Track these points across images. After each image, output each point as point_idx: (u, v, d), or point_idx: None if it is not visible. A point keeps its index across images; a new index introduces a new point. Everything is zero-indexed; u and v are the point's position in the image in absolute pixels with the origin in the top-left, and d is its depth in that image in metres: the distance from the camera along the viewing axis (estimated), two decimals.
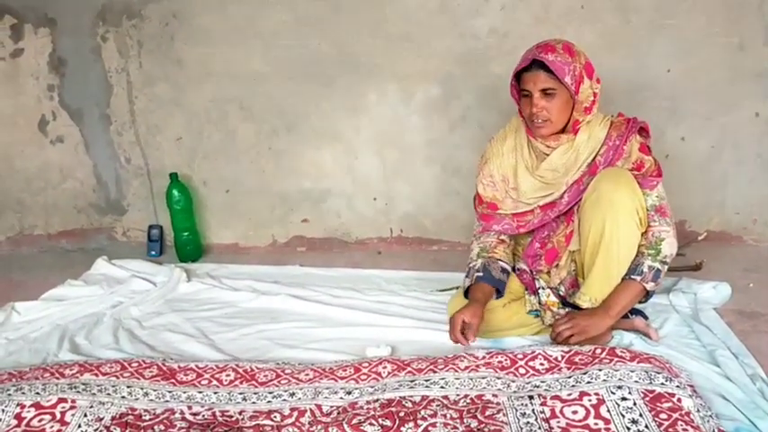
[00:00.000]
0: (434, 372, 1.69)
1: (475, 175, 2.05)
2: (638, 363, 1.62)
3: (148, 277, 2.49)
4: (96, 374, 1.75)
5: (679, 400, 1.49)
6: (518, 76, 1.84)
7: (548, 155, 1.88)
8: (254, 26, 2.52)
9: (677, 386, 1.54)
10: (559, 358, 1.71)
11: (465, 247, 2.72)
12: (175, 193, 2.64)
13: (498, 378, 1.65)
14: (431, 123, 2.61)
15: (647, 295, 1.84)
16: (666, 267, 1.79)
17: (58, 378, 1.73)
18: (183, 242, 2.71)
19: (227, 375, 1.77)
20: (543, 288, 1.93)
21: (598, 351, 1.70)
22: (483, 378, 1.65)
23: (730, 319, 1.98)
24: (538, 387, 1.60)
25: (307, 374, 1.75)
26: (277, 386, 1.71)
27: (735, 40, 2.40)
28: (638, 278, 1.77)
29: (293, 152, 2.69)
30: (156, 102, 2.67)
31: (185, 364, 1.82)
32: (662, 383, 1.54)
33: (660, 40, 2.40)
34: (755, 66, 2.43)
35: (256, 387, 1.71)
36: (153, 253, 2.79)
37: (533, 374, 1.67)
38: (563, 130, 1.85)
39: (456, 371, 1.69)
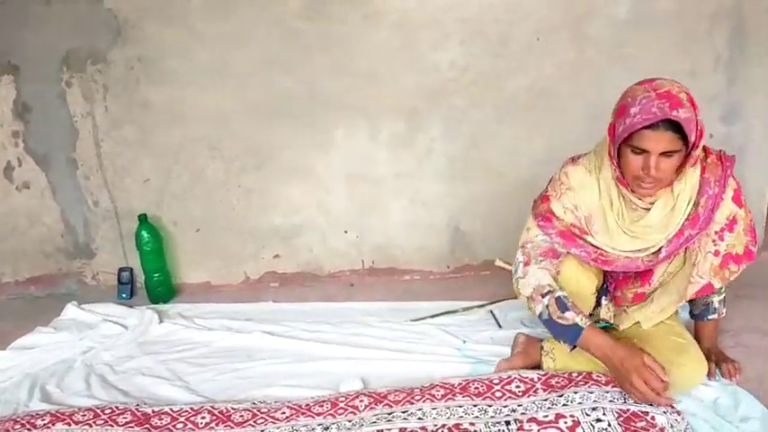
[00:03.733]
0: (411, 403, 1.70)
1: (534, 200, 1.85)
2: (612, 386, 1.65)
3: (119, 321, 2.46)
4: (69, 423, 1.72)
5: (653, 418, 1.53)
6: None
7: (642, 207, 1.69)
8: (222, 67, 2.55)
9: (650, 404, 1.57)
10: (535, 379, 1.74)
11: (437, 276, 2.77)
12: (145, 234, 2.63)
13: (475, 405, 1.66)
14: (398, 157, 2.65)
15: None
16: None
17: (29, 429, 1.69)
18: (153, 283, 2.69)
19: (203, 418, 1.75)
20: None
21: (574, 374, 1.73)
22: (460, 407, 1.66)
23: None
24: (515, 411, 1.62)
25: (283, 412, 1.74)
26: (254, 426, 1.69)
27: (686, 66, 2.51)
28: (716, 316, 1.86)
29: (263, 189, 2.71)
30: (123, 144, 2.67)
31: (160, 408, 1.80)
32: (635, 402, 1.58)
33: (616, 69, 2.48)
34: (707, 90, 2.54)
35: (233, 428, 1.69)
36: (123, 296, 2.76)
37: (510, 397, 1.69)
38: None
39: (433, 401, 1.70)
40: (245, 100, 2.59)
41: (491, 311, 2.37)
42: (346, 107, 2.59)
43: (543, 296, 1.67)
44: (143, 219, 2.62)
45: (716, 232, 1.70)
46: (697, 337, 1.86)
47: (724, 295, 1.86)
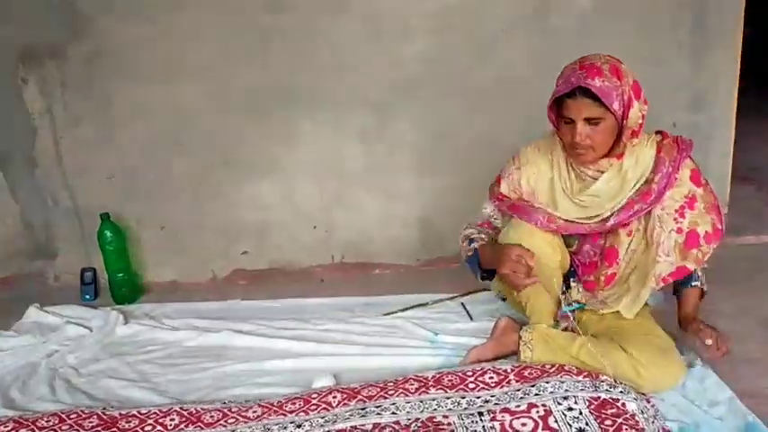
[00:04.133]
0: (385, 398, 1.68)
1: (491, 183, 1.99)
2: (584, 377, 1.66)
3: (83, 322, 2.39)
4: (33, 430, 1.67)
5: (623, 404, 1.55)
6: (557, 98, 1.70)
7: (590, 177, 1.79)
8: (183, 61, 2.50)
9: (621, 391, 1.59)
10: (509, 371, 1.74)
11: (407, 269, 2.76)
12: (107, 233, 2.57)
13: (448, 398, 1.66)
14: (368, 150, 2.63)
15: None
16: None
17: None
18: (118, 283, 2.63)
19: (172, 420, 1.71)
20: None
21: (547, 366, 1.74)
22: (433, 400, 1.65)
23: (665, 321, 2.03)
24: (488, 402, 1.62)
25: (254, 411, 1.71)
26: (224, 426, 1.66)
27: (650, 55, 2.53)
28: (698, 284, 1.84)
29: (230, 185, 2.66)
30: (83, 142, 2.60)
31: (127, 411, 1.75)
32: (606, 390, 1.59)
33: None
34: (670, 80, 2.58)
35: (203, 429, 1.66)
36: (87, 297, 2.69)
37: (483, 388, 1.69)
38: (607, 154, 1.75)
39: (407, 394, 1.69)
40: (209, 94, 2.54)
41: (462, 303, 2.37)
42: (313, 100, 2.56)
43: (468, 243, 1.92)
44: (105, 217, 2.56)
45: (676, 210, 1.76)
46: (680, 306, 1.87)
47: (705, 267, 1.85)
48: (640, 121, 1.70)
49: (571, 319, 1.82)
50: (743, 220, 2.88)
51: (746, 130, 2.96)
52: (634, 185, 1.76)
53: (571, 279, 1.93)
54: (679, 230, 1.76)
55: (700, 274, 1.85)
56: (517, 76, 2.51)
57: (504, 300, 2.25)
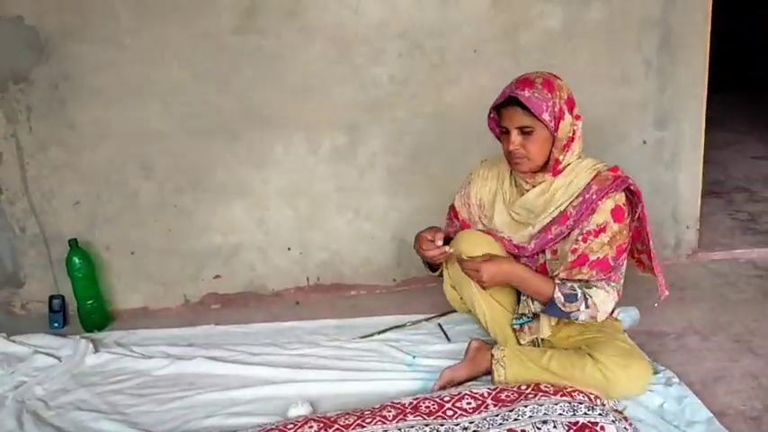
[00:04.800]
0: (363, 426, 1.66)
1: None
2: (561, 396, 1.66)
3: (52, 352, 2.33)
4: None
5: (602, 427, 1.54)
6: (497, 109, 1.81)
7: (526, 190, 1.86)
8: (150, 85, 2.46)
9: (599, 414, 1.59)
10: (486, 395, 1.73)
11: (383, 290, 2.75)
12: (76, 260, 2.51)
13: (427, 425, 1.64)
14: (340, 171, 2.62)
15: (546, 305, 1.79)
16: (583, 314, 1.75)
17: None
18: (87, 311, 2.57)
19: None
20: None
21: (523, 387, 1.73)
22: (411, 427, 1.63)
23: (640, 340, 2.07)
24: (466, 429, 1.61)
25: None
26: None
27: (618, 74, 2.57)
28: (559, 283, 1.76)
29: (200, 209, 2.62)
30: (50, 167, 2.54)
31: None
32: (585, 413, 1.59)
33: None
34: (639, 98, 2.62)
35: None
36: (56, 325, 2.62)
37: (461, 415, 1.67)
38: (544, 166, 1.81)
39: (384, 422, 1.66)
40: (176, 117, 2.50)
41: (439, 324, 2.36)
42: (283, 122, 2.54)
43: None
44: (74, 244, 2.50)
45: (583, 234, 1.77)
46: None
47: (579, 295, 1.74)
48: (571, 135, 1.77)
49: (525, 330, 1.90)
50: (713, 236, 2.92)
51: (714, 143, 3.01)
52: (558, 206, 1.80)
53: (521, 294, 1.95)
54: (574, 251, 1.78)
55: (571, 286, 1.75)
56: (487, 96, 2.50)
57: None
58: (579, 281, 1.76)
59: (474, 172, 2.04)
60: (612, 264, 1.77)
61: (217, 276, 2.71)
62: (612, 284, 1.78)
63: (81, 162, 2.54)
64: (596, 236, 1.75)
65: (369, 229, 2.69)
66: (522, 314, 1.92)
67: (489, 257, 1.81)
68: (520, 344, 1.92)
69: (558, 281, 1.77)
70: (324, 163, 2.60)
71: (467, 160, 2.55)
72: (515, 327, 1.94)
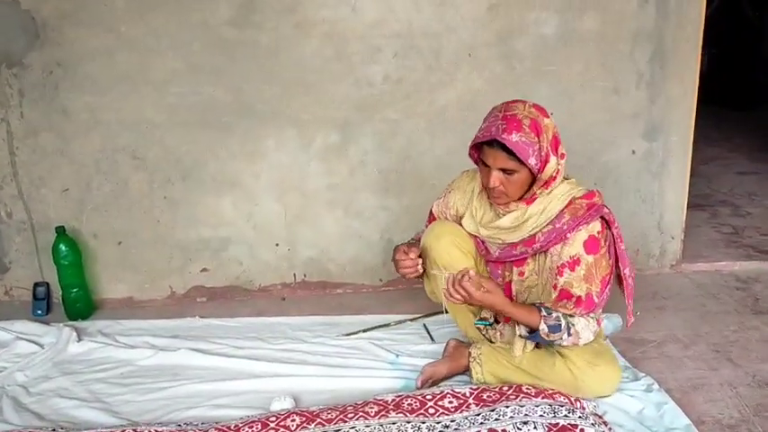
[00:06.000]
0: (345, 421, 1.67)
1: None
2: (542, 398, 1.67)
3: (35, 339, 2.32)
4: None
5: (582, 430, 1.56)
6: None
7: (501, 213, 1.82)
8: (144, 73, 2.46)
9: (579, 417, 1.60)
10: (468, 394, 1.75)
11: (369, 289, 2.76)
12: (62, 247, 2.49)
13: (408, 422, 1.65)
14: (330, 168, 2.62)
15: (531, 333, 1.77)
16: (565, 342, 1.73)
17: None
18: (71, 299, 2.55)
19: None
20: None
21: (505, 388, 1.75)
22: (393, 424, 1.64)
23: (622, 347, 2.09)
24: (447, 427, 1.62)
25: None
26: None
27: (610, 84, 2.60)
28: (545, 313, 1.72)
29: (190, 201, 2.62)
30: (40, 153, 2.53)
31: None
32: (565, 415, 1.60)
33: (542, 85, 2.56)
34: (630, 107, 2.64)
35: None
36: (39, 312, 2.61)
37: (443, 413, 1.69)
38: (521, 197, 1.78)
39: (366, 418, 1.67)
40: (169, 108, 2.50)
41: (424, 324, 2.37)
42: (276, 117, 2.54)
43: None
44: (61, 231, 2.49)
45: (557, 267, 1.76)
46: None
47: (563, 326, 1.72)
48: (554, 174, 1.73)
49: (486, 330, 1.98)
50: (696, 247, 2.96)
51: (701, 157, 3.05)
52: (530, 231, 1.77)
53: None
54: (554, 286, 1.77)
55: (556, 316, 1.73)
56: (479, 99, 2.54)
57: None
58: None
59: (455, 180, 2.04)
60: (597, 300, 1.74)
61: (204, 270, 2.71)
62: (592, 315, 1.76)
63: (71, 149, 2.53)
64: (571, 269, 1.72)
65: (357, 227, 2.70)
66: (482, 317, 1.95)
67: (467, 271, 1.73)
68: (492, 342, 1.97)
69: (544, 313, 1.73)
70: (315, 160, 2.61)
71: (457, 161, 2.57)
72: (478, 326, 1.99)
